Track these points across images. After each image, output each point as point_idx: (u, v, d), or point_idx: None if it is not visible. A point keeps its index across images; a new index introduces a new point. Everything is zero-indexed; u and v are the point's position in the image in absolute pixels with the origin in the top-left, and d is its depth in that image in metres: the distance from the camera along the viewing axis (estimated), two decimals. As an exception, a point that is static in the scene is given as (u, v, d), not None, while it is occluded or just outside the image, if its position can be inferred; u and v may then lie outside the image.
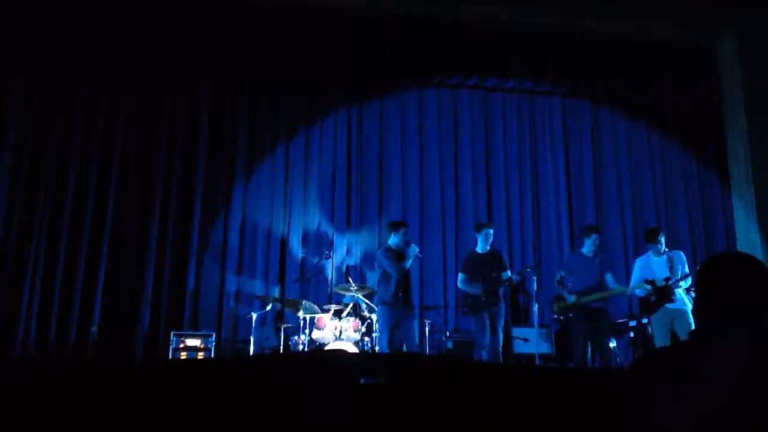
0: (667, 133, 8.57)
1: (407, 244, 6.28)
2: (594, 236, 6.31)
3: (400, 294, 6.04)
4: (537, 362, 6.44)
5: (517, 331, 7.03)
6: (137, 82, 7.48)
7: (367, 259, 7.65)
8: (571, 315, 6.24)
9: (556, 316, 6.45)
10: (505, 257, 6.68)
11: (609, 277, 6.22)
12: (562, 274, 6.46)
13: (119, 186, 7.23)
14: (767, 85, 8.01)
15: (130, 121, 7.41)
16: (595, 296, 6.11)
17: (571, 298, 6.19)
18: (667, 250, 6.15)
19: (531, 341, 6.73)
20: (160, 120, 7.49)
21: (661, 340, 6.00)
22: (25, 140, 7.10)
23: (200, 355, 6.41)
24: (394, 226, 6.44)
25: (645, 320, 6.29)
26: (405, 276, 6.19)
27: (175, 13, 7.52)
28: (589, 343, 6.12)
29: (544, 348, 6.83)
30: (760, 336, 1.52)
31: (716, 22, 8.31)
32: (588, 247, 6.32)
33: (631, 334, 7.00)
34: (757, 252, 7.49)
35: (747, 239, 7.99)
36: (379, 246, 7.73)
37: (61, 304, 6.83)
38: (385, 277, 6.18)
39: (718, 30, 8.44)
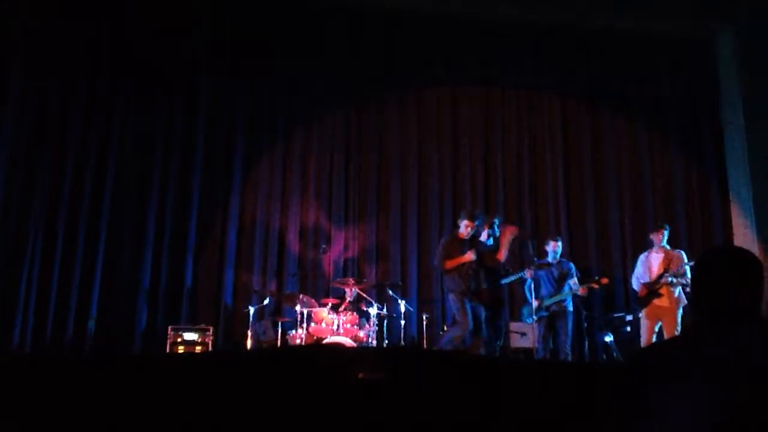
0: (665, 130, 8.56)
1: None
2: (550, 243, 6.59)
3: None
4: (536, 356, 6.48)
5: (515, 326, 7.06)
6: (135, 80, 7.45)
7: (365, 253, 7.65)
8: (535, 318, 6.46)
9: (530, 320, 6.60)
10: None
11: (568, 283, 6.42)
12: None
13: (117, 181, 7.22)
14: (765, 82, 8.00)
15: (128, 118, 7.39)
16: (548, 302, 6.40)
17: (535, 304, 6.44)
18: (668, 247, 6.25)
19: (528, 336, 6.78)
20: (158, 115, 7.47)
21: (645, 335, 6.17)
22: (22, 138, 7.09)
23: (198, 349, 6.41)
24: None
25: (640, 314, 6.34)
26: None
27: (175, 12, 7.50)
28: (549, 342, 6.39)
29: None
30: (755, 332, 1.52)
31: (715, 20, 8.30)
32: (550, 256, 6.58)
33: (628, 329, 7.04)
34: (754, 250, 7.51)
35: (744, 236, 8.00)
36: (378, 242, 7.76)
37: (59, 298, 6.83)
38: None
39: (717, 27, 8.43)
